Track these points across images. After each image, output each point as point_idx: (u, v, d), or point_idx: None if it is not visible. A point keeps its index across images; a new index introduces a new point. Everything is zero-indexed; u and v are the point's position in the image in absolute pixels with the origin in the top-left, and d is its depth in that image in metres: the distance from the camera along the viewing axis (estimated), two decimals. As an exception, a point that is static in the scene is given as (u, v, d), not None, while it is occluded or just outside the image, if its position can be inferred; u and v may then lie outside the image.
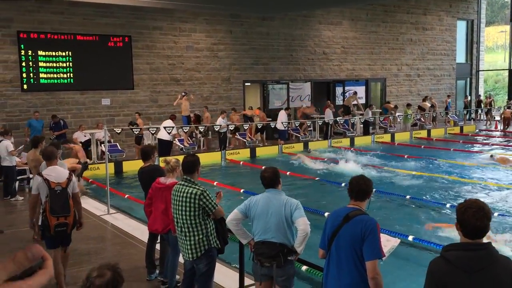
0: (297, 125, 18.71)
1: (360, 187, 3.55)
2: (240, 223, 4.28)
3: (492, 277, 2.53)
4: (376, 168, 13.26)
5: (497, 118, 24.62)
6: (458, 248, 2.64)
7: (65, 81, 15.71)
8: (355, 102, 20.80)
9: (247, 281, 5.20)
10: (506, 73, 28.40)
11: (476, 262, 2.55)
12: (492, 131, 22.80)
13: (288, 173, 12.71)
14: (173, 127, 14.49)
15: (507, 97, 27.19)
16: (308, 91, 21.47)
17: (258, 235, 4.16)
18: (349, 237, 3.38)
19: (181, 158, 5.04)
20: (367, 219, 3.42)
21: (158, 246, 6.01)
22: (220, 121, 16.13)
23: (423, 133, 21.13)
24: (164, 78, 17.55)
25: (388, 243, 3.82)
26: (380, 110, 21.90)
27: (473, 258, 2.55)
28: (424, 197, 10.04)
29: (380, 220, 7.99)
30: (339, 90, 22.80)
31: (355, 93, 21.60)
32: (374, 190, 3.75)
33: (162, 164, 5.63)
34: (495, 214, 8.26)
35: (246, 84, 19.65)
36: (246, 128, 17.41)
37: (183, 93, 16.73)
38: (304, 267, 5.57)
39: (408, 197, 9.90)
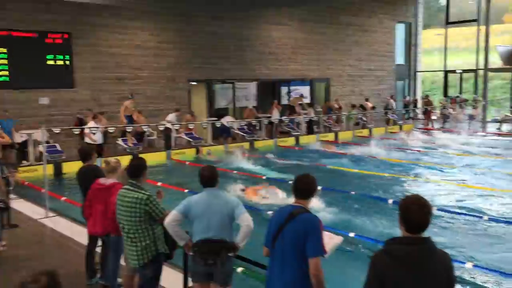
0: (242, 124, 18.79)
1: (304, 185, 3.62)
2: (179, 225, 4.23)
3: (430, 270, 2.63)
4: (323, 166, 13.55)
5: (434, 117, 25.78)
6: (400, 242, 2.72)
7: (1, 79, 14.95)
8: (300, 102, 21.16)
9: (192, 281, 5.16)
10: (442, 74, 29.79)
11: (416, 255, 2.64)
12: (427, 129, 23.85)
13: (235, 172, 12.82)
14: (97, 127, 13.99)
15: (443, 97, 28.48)
16: (254, 91, 21.59)
17: (199, 234, 4.14)
18: (293, 235, 3.44)
19: (124, 158, 4.93)
20: (310, 217, 3.49)
21: (99, 249, 5.85)
22: (172, 117, 15.87)
23: (365, 132, 21.81)
24: (107, 77, 17.08)
25: (331, 240, 3.90)
26: (321, 109, 22.34)
27: (414, 252, 2.64)
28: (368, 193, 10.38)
29: (324, 218, 8.20)
30: (284, 90, 23.09)
31: (302, 95, 21.98)
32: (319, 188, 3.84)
33: (103, 165, 5.49)
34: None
35: (192, 83, 19.49)
36: (191, 127, 17.29)
37: (129, 96, 16.31)
38: (239, 269, 5.61)
39: (352, 192, 10.21)
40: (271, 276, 3.57)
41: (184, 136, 17.38)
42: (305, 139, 19.59)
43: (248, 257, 4.81)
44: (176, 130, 16.90)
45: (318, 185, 3.74)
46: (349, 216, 8.85)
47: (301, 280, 3.41)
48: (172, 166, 15.09)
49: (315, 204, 9.13)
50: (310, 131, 20.62)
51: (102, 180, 5.16)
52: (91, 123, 14.18)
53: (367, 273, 2.75)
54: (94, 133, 13.87)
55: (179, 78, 18.90)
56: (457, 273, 6.01)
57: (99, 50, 16.78)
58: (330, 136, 20.48)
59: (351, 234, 7.44)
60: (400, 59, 28.45)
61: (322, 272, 3.36)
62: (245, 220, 4.07)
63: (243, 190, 10.17)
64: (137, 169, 4.42)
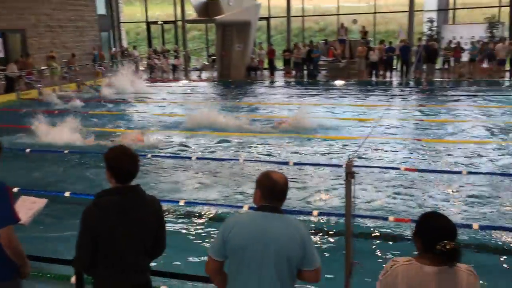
0: None
1: None
2: None
3: (140, 216, 2.71)
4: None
5: (142, 68, 26.42)
6: (112, 193, 2.71)
7: None
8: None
9: None
10: (145, 25, 30.48)
11: (127, 204, 2.68)
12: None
13: None
14: None
15: (147, 48, 29.30)
16: None
17: None
18: None
19: None
20: None
21: None
22: None
23: (72, 86, 20.69)
24: None
25: (34, 205, 3.57)
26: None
27: (124, 201, 2.68)
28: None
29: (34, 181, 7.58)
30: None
31: None
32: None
33: None
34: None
35: None
36: None
37: None
38: None
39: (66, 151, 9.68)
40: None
41: None
42: (3, 98, 17.40)
43: None
44: None
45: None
46: (62, 176, 8.41)
47: None
48: None
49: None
50: (9, 89, 18.35)
51: None
52: None
53: (80, 228, 2.68)
54: None
55: None
56: (171, 210, 6.45)
57: None
58: (34, 93, 18.69)
59: (67, 194, 7.10)
60: (101, 9, 27.65)
61: (16, 242, 2.96)
62: None
63: None
64: None
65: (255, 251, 2.52)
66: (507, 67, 19.79)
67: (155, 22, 30.15)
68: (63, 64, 21.66)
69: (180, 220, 6.37)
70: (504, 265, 5.07)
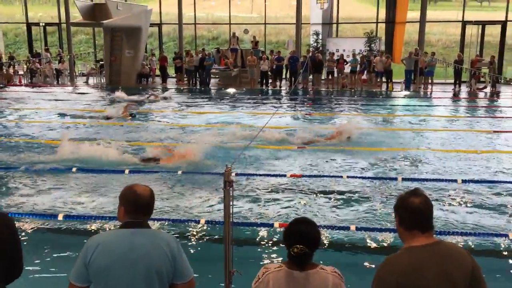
0: None
1: None
2: None
3: None
4: None
5: (21, 72, 24.49)
6: None
7: None
8: None
9: None
10: (25, 26, 28.35)
11: None
12: (16, 85, 22.53)
13: None
14: None
15: (28, 52, 27.21)
16: None
17: None
18: None
19: None
20: None
21: None
22: None
23: None
24: None
25: None
26: None
27: None
28: None
29: None
30: None
31: None
32: None
33: None
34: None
35: None
36: None
37: None
38: None
39: None
40: None
41: None
42: None
43: None
44: None
45: None
46: None
47: None
48: None
49: None
50: None
51: None
52: None
53: None
54: None
55: None
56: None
57: None
58: None
59: None
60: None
61: None
62: None
63: None
64: None
65: (123, 270, 2.39)
66: (384, 78, 21.41)
67: (37, 24, 28.17)
68: None
69: (47, 237, 5.91)
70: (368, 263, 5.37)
